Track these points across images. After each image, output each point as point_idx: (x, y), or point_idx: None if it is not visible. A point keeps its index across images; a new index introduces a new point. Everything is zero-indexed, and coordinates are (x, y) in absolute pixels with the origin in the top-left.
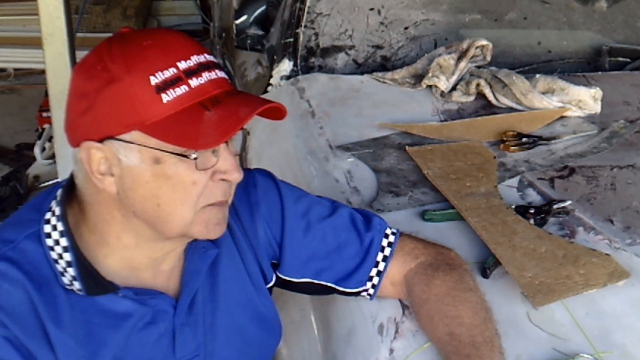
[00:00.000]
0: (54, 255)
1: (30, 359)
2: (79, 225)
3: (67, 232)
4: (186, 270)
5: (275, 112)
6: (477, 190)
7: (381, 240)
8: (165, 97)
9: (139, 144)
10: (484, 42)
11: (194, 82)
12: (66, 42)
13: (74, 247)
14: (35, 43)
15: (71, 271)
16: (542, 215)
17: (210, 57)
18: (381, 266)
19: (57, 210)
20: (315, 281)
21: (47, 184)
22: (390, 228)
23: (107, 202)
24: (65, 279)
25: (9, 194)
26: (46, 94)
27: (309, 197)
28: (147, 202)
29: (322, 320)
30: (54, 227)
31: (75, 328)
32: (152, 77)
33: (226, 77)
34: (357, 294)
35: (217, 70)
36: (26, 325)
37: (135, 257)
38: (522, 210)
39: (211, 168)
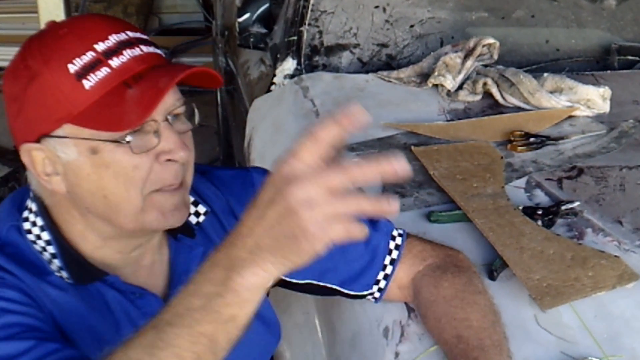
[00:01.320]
0: (38, 247)
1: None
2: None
3: (47, 226)
4: (175, 271)
5: (211, 80)
6: (483, 191)
7: (388, 243)
8: (87, 83)
9: (72, 137)
10: (491, 40)
11: (114, 62)
12: None
13: (57, 239)
14: None
15: (56, 262)
16: (550, 217)
17: (133, 34)
18: (389, 269)
19: (34, 207)
20: (319, 283)
21: None
22: (397, 229)
23: (62, 203)
24: (53, 267)
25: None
26: None
27: None
28: (94, 196)
29: (326, 323)
30: (34, 224)
31: (69, 314)
32: (70, 65)
33: (156, 51)
34: (363, 297)
35: (142, 46)
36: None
37: (107, 255)
38: (529, 212)
39: (153, 150)
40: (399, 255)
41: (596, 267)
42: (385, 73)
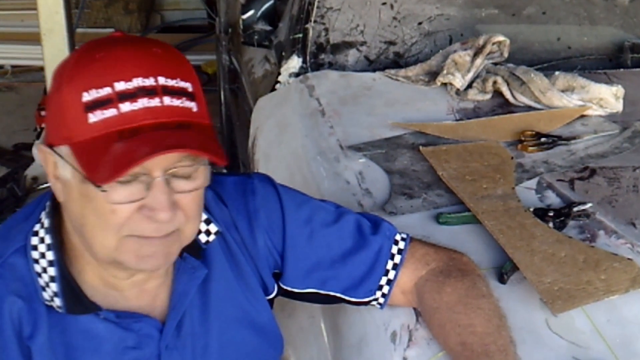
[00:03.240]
0: (37, 268)
1: None
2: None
3: (54, 246)
4: (175, 292)
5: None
6: (493, 192)
7: (390, 247)
8: (92, 118)
9: (67, 161)
10: (501, 38)
11: (125, 106)
12: (66, 38)
13: (59, 262)
14: (34, 39)
15: (53, 286)
16: (562, 219)
17: (167, 81)
18: (391, 274)
19: (46, 222)
20: (321, 291)
21: (45, 185)
22: (400, 233)
23: (64, 210)
24: (46, 294)
25: (6, 196)
26: (45, 92)
27: (312, 202)
28: (76, 221)
29: (332, 328)
30: (42, 240)
31: (54, 348)
32: (84, 93)
33: (184, 105)
34: (367, 303)
35: (167, 97)
36: (5, 338)
37: (105, 276)
38: (540, 213)
39: (137, 202)
40: (401, 260)
41: (609, 270)
42: (392, 71)
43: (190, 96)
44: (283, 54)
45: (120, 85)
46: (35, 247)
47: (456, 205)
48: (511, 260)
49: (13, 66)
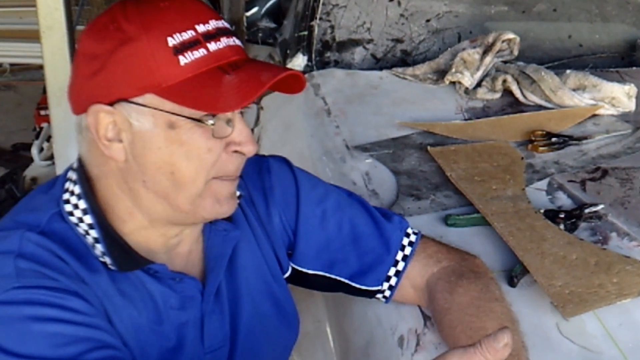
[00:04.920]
0: (81, 230)
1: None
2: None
3: (91, 209)
4: (210, 255)
5: (296, 84)
6: (503, 194)
7: (401, 239)
8: (183, 60)
9: (153, 108)
10: (511, 35)
11: (212, 46)
12: (66, 35)
13: (100, 224)
14: (33, 36)
15: (99, 247)
16: (573, 220)
17: (227, 25)
18: (400, 265)
19: (77, 189)
20: (329, 275)
21: None
22: (412, 228)
23: (114, 173)
24: (97, 251)
25: (5, 197)
26: (44, 91)
27: (327, 185)
28: (159, 170)
29: (338, 332)
30: (76, 206)
31: (116, 296)
32: (169, 39)
33: (242, 46)
34: (372, 294)
35: (234, 38)
36: (74, 280)
37: (151, 236)
38: (551, 215)
39: (226, 138)
40: (412, 252)
41: (621, 273)
42: (400, 70)
43: (239, 37)
44: (288, 52)
45: (201, 27)
46: (70, 213)
47: (465, 206)
48: (521, 263)
49: (12, 64)
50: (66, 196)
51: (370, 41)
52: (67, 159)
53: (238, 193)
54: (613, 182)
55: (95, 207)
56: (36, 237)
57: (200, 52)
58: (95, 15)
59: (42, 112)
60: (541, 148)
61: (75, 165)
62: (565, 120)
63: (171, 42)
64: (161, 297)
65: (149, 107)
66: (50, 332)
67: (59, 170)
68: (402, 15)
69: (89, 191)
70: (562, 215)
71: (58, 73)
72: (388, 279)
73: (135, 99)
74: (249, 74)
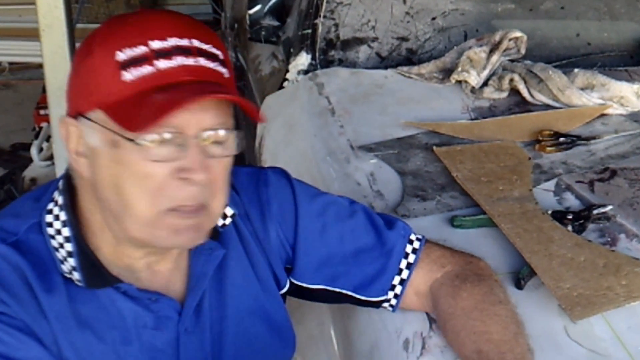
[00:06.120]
0: (54, 243)
1: (29, 331)
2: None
3: (70, 222)
4: (192, 273)
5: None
6: (510, 194)
7: (405, 246)
8: (127, 75)
9: (99, 124)
10: (518, 33)
11: (161, 64)
12: (65, 33)
13: (76, 237)
14: (32, 35)
15: (71, 261)
16: (581, 222)
17: (201, 45)
18: (405, 274)
19: (60, 200)
20: (331, 288)
21: None
22: (415, 234)
23: (87, 188)
24: (65, 267)
25: (4, 198)
26: (44, 90)
27: (326, 196)
28: (108, 189)
29: (342, 335)
30: (57, 217)
31: (71, 319)
32: (118, 52)
33: (217, 69)
34: (378, 304)
35: (202, 59)
36: (25, 303)
37: (122, 256)
38: (559, 216)
39: (171, 162)
40: (416, 260)
41: (630, 275)
42: (405, 68)
43: (222, 63)
44: (291, 50)
45: (156, 44)
46: (50, 224)
47: (471, 207)
48: (528, 265)
49: (10, 63)
50: (50, 206)
51: (375, 39)
52: (67, 159)
53: (231, 212)
54: (622, 183)
55: (73, 220)
56: (4, 249)
57: (146, 69)
58: (95, 13)
59: (42, 112)
60: (549, 148)
61: (64, 174)
62: (573, 120)
63: (120, 56)
64: (132, 316)
65: (96, 123)
66: None
67: (59, 171)
68: (407, 13)
69: (69, 203)
70: (570, 217)
71: (58, 72)
72: (393, 287)
73: (88, 114)
74: (179, 94)
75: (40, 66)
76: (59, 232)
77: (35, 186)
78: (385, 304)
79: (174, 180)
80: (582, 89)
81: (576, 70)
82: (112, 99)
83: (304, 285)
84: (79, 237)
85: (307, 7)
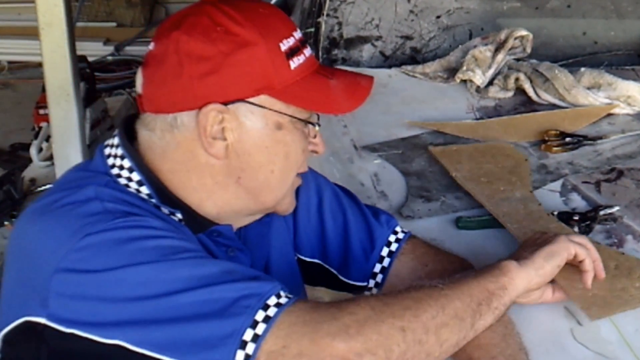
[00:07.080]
0: (142, 195)
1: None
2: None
3: (147, 180)
4: (250, 235)
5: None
6: (512, 195)
7: (388, 235)
8: (292, 64)
9: (267, 108)
10: (523, 32)
11: (307, 52)
12: (65, 32)
13: (157, 192)
14: (32, 33)
15: (164, 209)
16: (588, 223)
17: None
18: (386, 262)
19: (126, 163)
20: (323, 264)
21: (44, 187)
22: (402, 228)
23: (201, 168)
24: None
25: (3, 199)
26: (43, 89)
27: (324, 177)
28: (261, 168)
29: None
30: (129, 179)
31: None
32: (281, 44)
33: None
34: (359, 289)
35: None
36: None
37: (229, 219)
38: (565, 217)
39: (314, 139)
40: (397, 248)
41: None
42: (409, 68)
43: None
44: None
45: (297, 34)
46: (127, 185)
47: (476, 208)
48: None
49: (10, 62)
50: (115, 171)
51: (379, 38)
52: (67, 159)
53: None
54: (629, 183)
55: (150, 176)
56: (109, 191)
57: (301, 58)
58: (95, 11)
59: (41, 111)
60: (555, 148)
61: (119, 152)
62: (580, 120)
63: (282, 47)
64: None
65: (263, 107)
66: (165, 245)
67: (59, 171)
68: (411, 11)
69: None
70: (576, 217)
71: (57, 70)
72: (374, 275)
73: (251, 99)
74: (348, 79)
75: (39, 65)
76: (138, 191)
77: (35, 186)
78: (367, 293)
79: (305, 154)
80: (588, 89)
81: (582, 69)
82: (283, 85)
83: (302, 257)
84: (160, 188)
85: (310, 5)
